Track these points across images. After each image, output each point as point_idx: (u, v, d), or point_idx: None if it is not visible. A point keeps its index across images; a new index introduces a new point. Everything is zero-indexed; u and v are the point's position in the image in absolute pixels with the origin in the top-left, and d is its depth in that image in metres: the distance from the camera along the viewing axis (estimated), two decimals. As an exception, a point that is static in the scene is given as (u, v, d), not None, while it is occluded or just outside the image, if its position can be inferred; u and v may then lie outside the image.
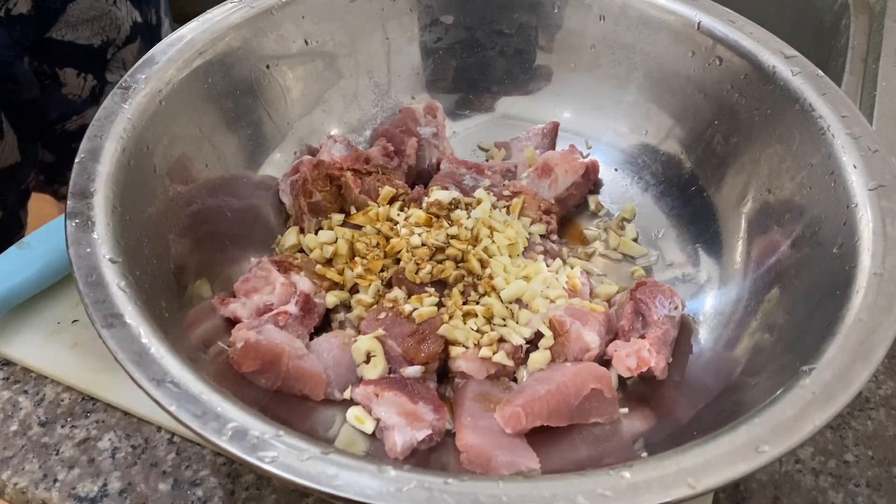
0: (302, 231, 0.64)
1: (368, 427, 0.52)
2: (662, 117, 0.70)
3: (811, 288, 0.52)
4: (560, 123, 0.73)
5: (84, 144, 0.53)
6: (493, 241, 0.60)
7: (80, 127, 0.86)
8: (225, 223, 0.62)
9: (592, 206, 0.71)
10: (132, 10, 0.85)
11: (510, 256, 0.60)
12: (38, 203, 1.18)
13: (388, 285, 0.59)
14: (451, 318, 0.56)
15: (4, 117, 0.79)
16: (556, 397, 0.52)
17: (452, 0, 0.73)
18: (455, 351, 0.55)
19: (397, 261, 0.59)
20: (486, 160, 0.73)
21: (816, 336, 0.46)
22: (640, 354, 0.55)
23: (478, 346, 0.55)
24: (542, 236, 0.65)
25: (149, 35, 0.89)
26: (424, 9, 0.73)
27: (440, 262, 0.58)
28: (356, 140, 0.72)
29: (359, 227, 0.63)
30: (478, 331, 0.55)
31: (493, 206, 0.64)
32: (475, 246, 0.60)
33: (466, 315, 0.56)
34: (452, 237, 0.60)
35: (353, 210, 0.64)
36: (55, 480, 0.54)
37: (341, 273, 0.60)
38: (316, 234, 0.63)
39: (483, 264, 0.59)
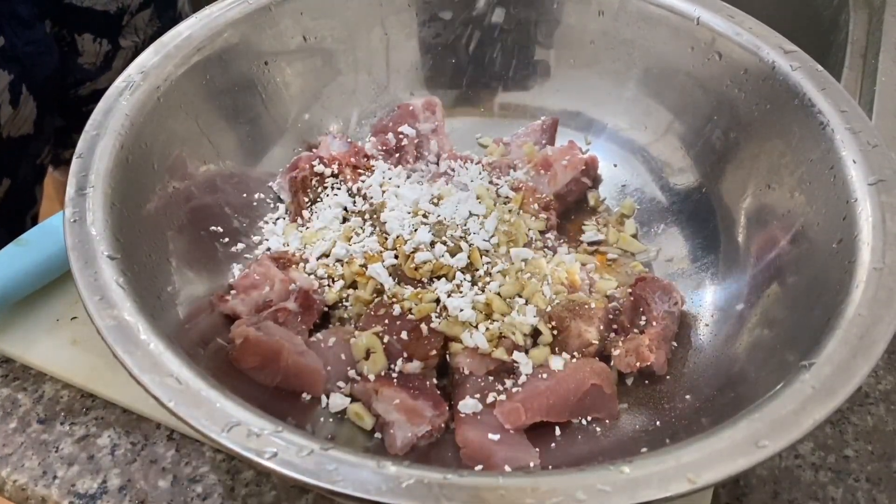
0: (300, 227, 0.64)
1: (368, 423, 0.52)
2: (662, 113, 0.70)
3: (811, 283, 0.52)
4: (559, 119, 0.73)
5: (82, 141, 0.53)
6: (493, 237, 0.60)
7: (92, 92, 0.91)
8: (223, 219, 0.62)
9: (592, 202, 0.70)
10: None
11: (510, 252, 0.60)
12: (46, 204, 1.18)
13: (388, 281, 0.59)
14: (450, 313, 0.56)
15: (26, 89, 0.81)
16: (556, 393, 0.52)
17: (451, -4, 0.73)
18: (454, 347, 0.55)
19: (396, 256, 0.59)
20: (486, 156, 0.73)
21: (816, 331, 0.46)
22: (639, 350, 0.55)
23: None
24: (541, 232, 0.65)
25: (162, 4, 0.93)
26: (423, 4, 0.73)
27: (439, 257, 0.58)
28: (355, 136, 0.72)
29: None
30: (477, 326, 0.55)
31: (493, 202, 0.64)
32: (474, 242, 0.59)
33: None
34: (451, 233, 0.60)
35: (351, 206, 0.64)
36: (55, 477, 0.54)
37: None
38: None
39: (483, 260, 0.59)
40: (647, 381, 0.56)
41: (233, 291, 0.58)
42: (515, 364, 0.55)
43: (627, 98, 0.72)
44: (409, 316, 0.55)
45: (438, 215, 0.61)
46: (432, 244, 0.59)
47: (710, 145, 0.66)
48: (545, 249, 0.63)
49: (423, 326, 0.55)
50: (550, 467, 0.50)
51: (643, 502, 0.37)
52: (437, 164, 0.71)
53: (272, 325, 0.55)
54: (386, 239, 0.60)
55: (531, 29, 0.74)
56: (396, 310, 0.55)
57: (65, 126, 0.93)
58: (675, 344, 0.58)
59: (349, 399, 0.54)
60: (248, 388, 0.52)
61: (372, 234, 0.61)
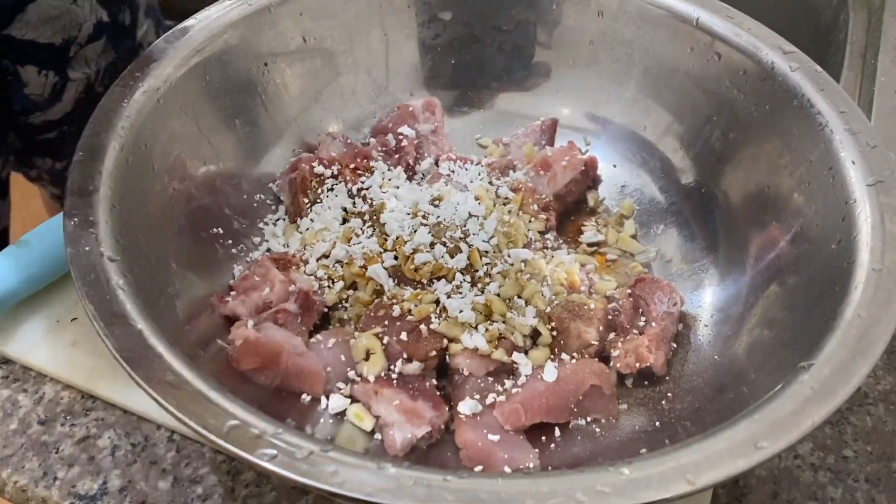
0: (300, 228, 0.64)
1: (368, 424, 0.52)
2: (661, 113, 0.70)
3: (810, 284, 0.52)
4: (559, 120, 0.73)
5: (82, 142, 0.53)
6: (493, 238, 0.60)
7: (44, 122, 0.86)
8: (223, 221, 0.62)
9: (591, 203, 0.70)
10: (97, 9, 0.82)
11: (509, 253, 0.60)
12: (35, 201, 1.18)
13: (387, 282, 0.59)
14: (449, 314, 0.56)
15: None
16: (556, 394, 0.52)
17: (450, -4, 0.73)
18: (454, 348, 0.55)
19: (395, 257, 0.59)
20: (485, 156, 0.73)
21: (815, 332, 0.46)
22: (638, 351, 0.55)
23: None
24: (540, 233, 0.65)
25: (116, 35, 0.86)
26: (423, 5, 0.73)
27: (439, 258, 0.58)
28: (354, 137, 0.72)
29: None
30: (476, 327, 0.55)
31: (493, 203, 0.64)
32: (474, 242, 0.60)
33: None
34: (451, 234, 0.60)
35: (350, 207, 0.64)
36: (55, 479, 0.54)
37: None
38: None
39: (482, 261, 0.59)
40: (646, 382, 0.56)
41: (233, 293, 0.58)
42: (515, 365, 0.55)
43: (627, 98, 0.72)
44: (409, 317, 0.55)
45: (438, 216, 0.61)
46: (432, 245, 0.59)
47: (710, 146, 0.66)
48: (545, 250, 0.63)
49: (423, 327, 0.55)
50: (550, 468, 0.50)
51: (643, 503, 0.37)
52: (437, 164, 0.71)
53: (272, 327, 0.55)
54: (385, 240, 0.60)
55: (531, 29, 0.74)
56: (396, 311, 0.55)
57: (23, 149, 0.89)
58: (674, 345, 0.58)
59: (349, 400, 0.54)
60: (247, 390, 0.52)
61: (371, 235, 0.62)
